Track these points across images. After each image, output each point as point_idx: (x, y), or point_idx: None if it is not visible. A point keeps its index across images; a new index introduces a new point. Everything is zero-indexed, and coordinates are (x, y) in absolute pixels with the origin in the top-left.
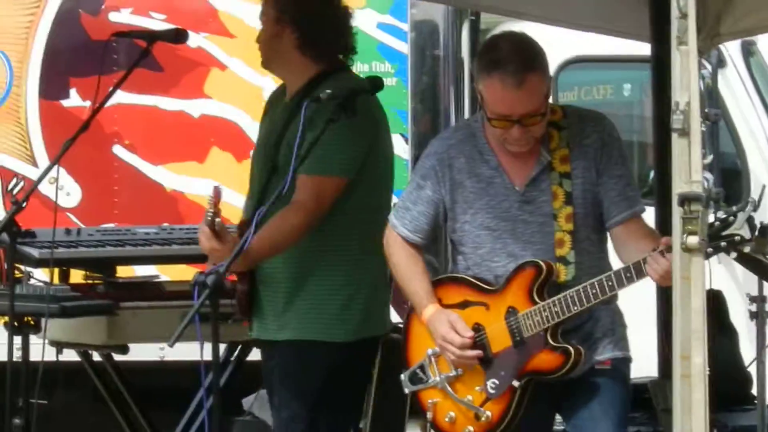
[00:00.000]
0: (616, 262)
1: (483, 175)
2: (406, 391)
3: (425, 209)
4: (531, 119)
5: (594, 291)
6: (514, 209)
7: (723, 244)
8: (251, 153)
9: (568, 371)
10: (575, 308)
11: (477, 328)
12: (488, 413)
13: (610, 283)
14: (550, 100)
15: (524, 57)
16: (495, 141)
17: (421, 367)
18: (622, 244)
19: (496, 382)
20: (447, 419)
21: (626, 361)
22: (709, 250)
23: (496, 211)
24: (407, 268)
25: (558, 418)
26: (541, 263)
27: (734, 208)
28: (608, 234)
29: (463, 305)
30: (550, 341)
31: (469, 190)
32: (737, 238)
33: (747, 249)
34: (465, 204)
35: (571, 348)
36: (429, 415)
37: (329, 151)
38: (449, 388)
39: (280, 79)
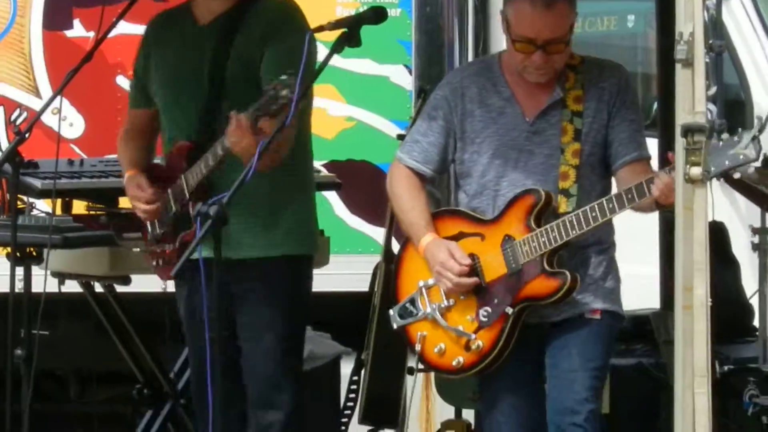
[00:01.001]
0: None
1: (494, 105)
2: (395, 326)
3: (436, 139)
4: (555, 46)
5: (594, 214)
6: (522, 139)
7: (726, 162)
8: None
9: (562, 297)
10: (573, 232)
11: (471, 258)
12: (479, 342)
13: (610, 205)
14: None
15: None
16: (513, 71)
17: (412, 301)
18: (628, 184)
19: (489, 310)
20: (436, 350)
21: (616, 316)
22: (712, 168)
23: (503, 139)
24: (409, 200)
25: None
26: (540, 191)
27: (740, 129)
28: (614, 177)
29: (458, 237)
30: (546, 267)
31: (478, 119)
32: (741, 157)
33: (750, 170)
34: (473, 134)
35: (567, 273)
36: (417, 347)
37: None
38: (440, 318)
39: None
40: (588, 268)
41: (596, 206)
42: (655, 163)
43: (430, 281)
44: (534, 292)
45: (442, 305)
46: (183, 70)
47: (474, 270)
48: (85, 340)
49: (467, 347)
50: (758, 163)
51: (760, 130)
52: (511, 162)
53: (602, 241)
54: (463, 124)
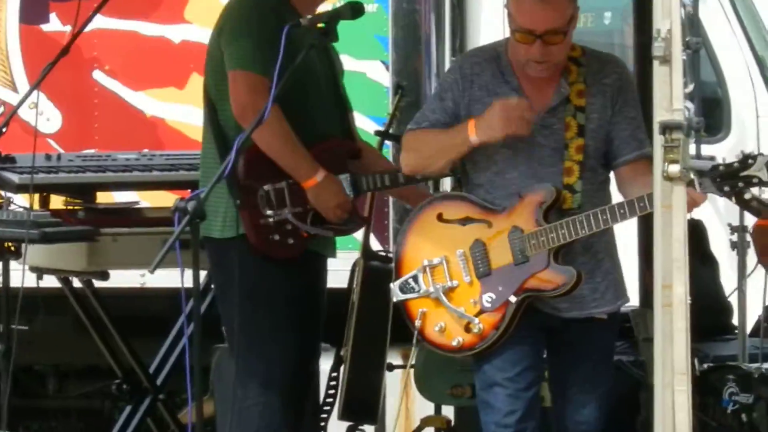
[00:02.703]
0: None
1: (502, 95)
2: (395, 299)
3: (442, 118)
4: (553, 37)
5: (605, 217)
6: (531, 131)
7: (741, 184)
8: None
9: (567, 292)
10: (583, 232)
11: (477, 244)
12: (481, 325)
13: (622, 211)
14: None
15: None
16: (517, 64)
17: (414, 277)
18: (629, 181)
19: (493, 296)
20: (436, 329)
21: (620, 315)
22: (726, 188)
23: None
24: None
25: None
26: (553, 189)
27: (755, 152)
28: (613, 172)
29: (465, 221)
30: (553, 262)
31: (488, 107)
32: (755, 179)
33: (766, 195)
34: None
35: (573, 270)
36: (418, 323)
37: None
38: (444, 298)
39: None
40: (596, 266)
41: (608, 210)
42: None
43: (435, 260)
44: (539, 285)
45: (446, 286)
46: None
47: (480, 255)
48: (63, 335)
49: (468, 329)
50: None
51: None
52: (522, 153)
53: (609, 240)
54: (470, 110)
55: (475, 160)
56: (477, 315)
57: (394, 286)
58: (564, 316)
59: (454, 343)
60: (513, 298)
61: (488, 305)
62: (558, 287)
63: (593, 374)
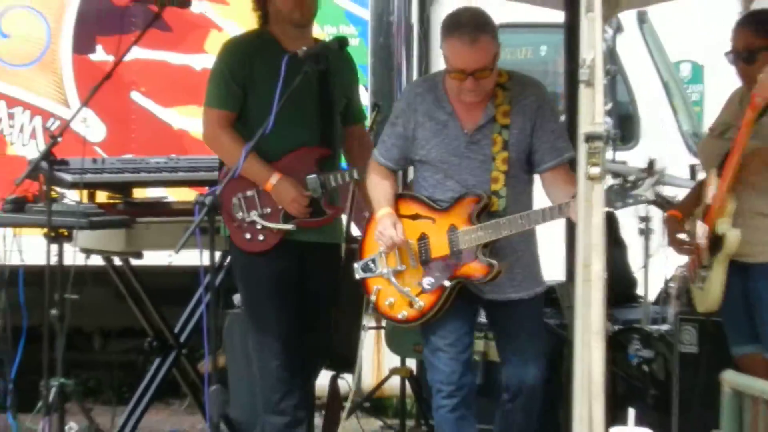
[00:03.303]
0: (541, 200)
1: (440, 118)
2: (357, 277)
3: (396, 142)
4: (482, 73)
5: (522, 222)
6: (462, 147)
7: (630, 201)
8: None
9: (489, 280)
10: (505, 232)
11: (423, 237)
12: (421, 303)
13: (536, 217)
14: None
15: (477, 22)
16: (452, 92)
17: (373, 260)
18: (550, 185)
19: (431, 280)
20: (387, 303)
21: (540, 296)
22: (618, 204)
23: (448, 147)
24: (377, 184)
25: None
26: (484, 194)
27: (644, 174)
28: (539, 176)
29: (414, 217)
30: (480, 255)
31: (429, 130)
32: (642, 198)
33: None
34: (424, 140)
35: (495, 263)
36: (372, 297)
37: None
38: (393, 279)
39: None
40: (516, 260)
41: (526, 215)
42: None
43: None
44: (468, 273)
45: (396, 269)
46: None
47: (424, 246)
48: (106, 302)
49: (411, 305)
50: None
51: (657, 182)
52: (455, 166)
53: (529, 238)
54: (416, 132)
55: (423, 172)
56: (418, 295)
57: (357, 265)
58: (485, 298)
59: (400, 316)
60: (447, 283)
61: (428, 287)
62: (483, 276)
63: (527, 341)
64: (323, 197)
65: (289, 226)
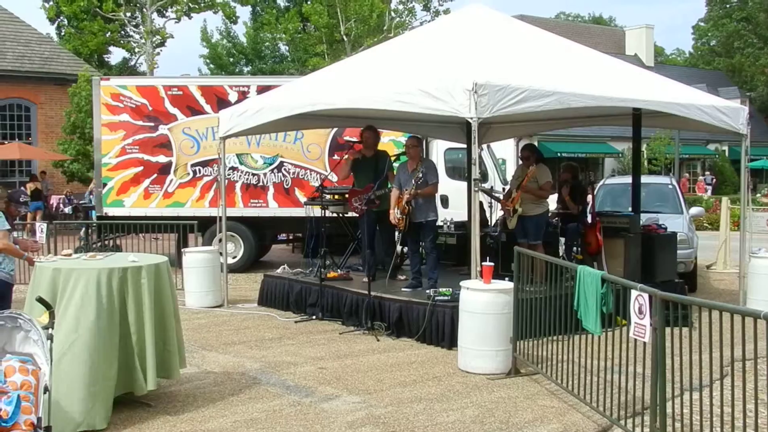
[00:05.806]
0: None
1: (404, 174)
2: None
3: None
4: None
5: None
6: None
7: (491, 199)
8: (356, 174)
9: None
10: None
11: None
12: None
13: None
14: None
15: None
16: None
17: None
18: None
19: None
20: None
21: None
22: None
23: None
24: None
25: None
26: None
27: (489, 188)
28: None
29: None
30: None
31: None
32: (494, 196)
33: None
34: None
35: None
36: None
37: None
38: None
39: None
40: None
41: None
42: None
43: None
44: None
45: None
46: (366, 171)
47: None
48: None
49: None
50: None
51: (490, 192)
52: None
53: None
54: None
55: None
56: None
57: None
58: (413, 220)
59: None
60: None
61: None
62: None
63: (428, 232)
64: (376, 198)
65: (371, 206)
